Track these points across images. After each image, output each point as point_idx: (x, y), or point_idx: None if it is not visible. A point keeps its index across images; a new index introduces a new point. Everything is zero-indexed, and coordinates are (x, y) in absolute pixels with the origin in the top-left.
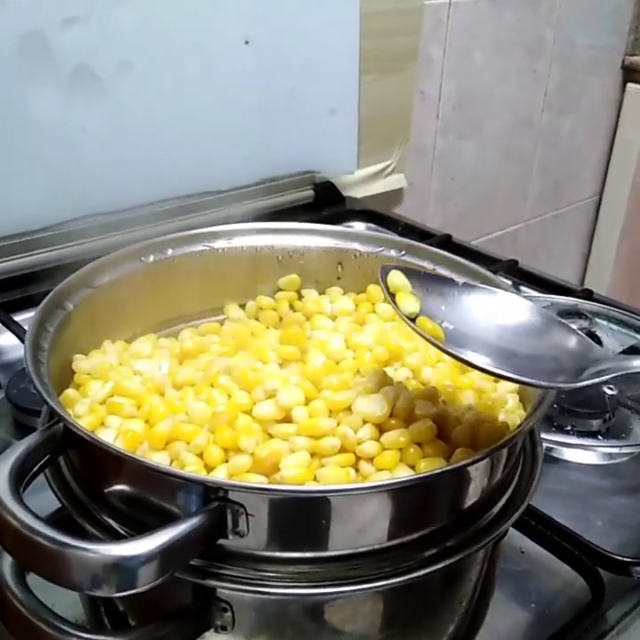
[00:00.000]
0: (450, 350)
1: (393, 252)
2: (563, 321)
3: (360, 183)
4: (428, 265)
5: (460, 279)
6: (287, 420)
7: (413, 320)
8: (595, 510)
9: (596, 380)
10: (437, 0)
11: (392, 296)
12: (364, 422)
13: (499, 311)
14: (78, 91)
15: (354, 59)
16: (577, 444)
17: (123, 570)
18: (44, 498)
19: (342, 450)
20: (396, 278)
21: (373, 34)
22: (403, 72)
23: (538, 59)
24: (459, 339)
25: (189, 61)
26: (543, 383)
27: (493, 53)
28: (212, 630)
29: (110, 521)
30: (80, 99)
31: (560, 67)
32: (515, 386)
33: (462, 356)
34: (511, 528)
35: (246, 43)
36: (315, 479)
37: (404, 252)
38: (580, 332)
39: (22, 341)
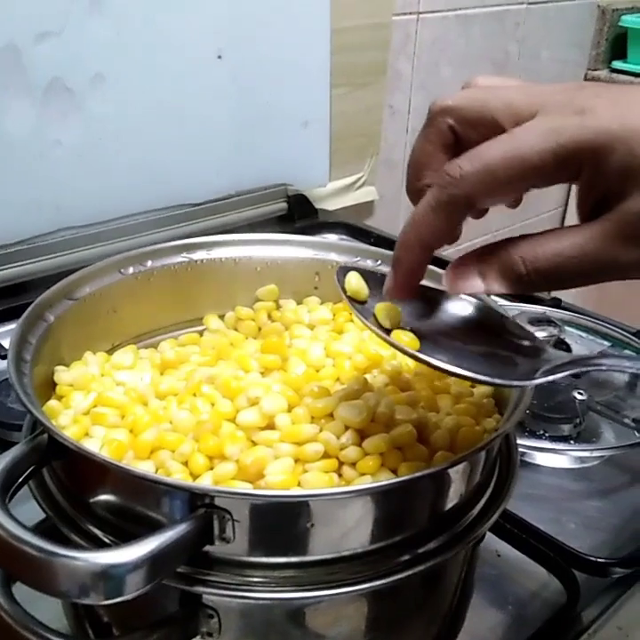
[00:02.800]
0: (420, 356)
1: (369, 262)
2: (516, 321)
3: (332, 196)
4: None
5: None
6: (270, 427)
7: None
8: (567, 513)
9: (550, 377)
10: (405, 16)
11: (350, 299)
12: (346, 428)
13: (452, 311)
14: (52, 104)
15: (325, 73)
16: (549, 449)
17: (110, 577)
18: (27, 509)
19: (325, 455)
20: (354, 280)
21: (343, 48)
22: (372, 86)
23: (504, 72)
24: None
25: (163, 75)
26: (497, 381)
27: (461, 67)
28: (198, 637)
29: (96, 530)
30: (54, 112)
31: (525, 80)
32: (490, 390)
33: (429, 360)
34: (487, 532)
35: (219, 57)
36: (299, 485)
37: (380, 262)
38: (533, 332)
39: None
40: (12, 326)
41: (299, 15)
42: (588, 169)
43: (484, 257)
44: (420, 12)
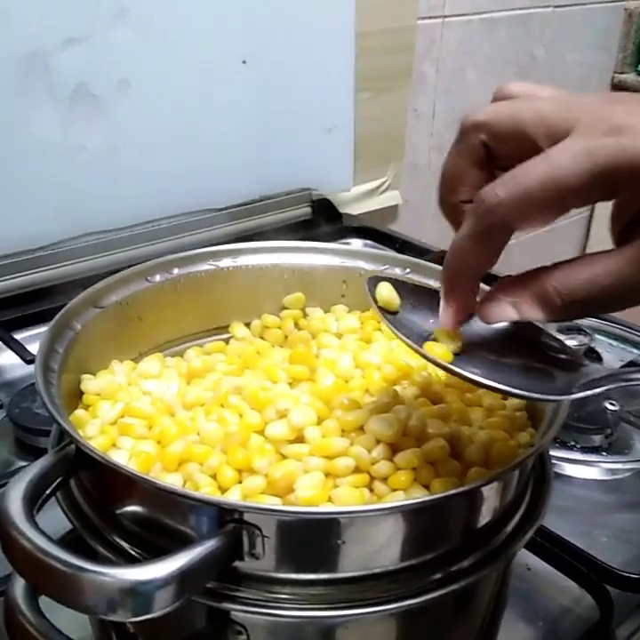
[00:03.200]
0: (453, 368)
1: (397, 271)
2: (554, 334)
3: (356, 200)
4: (433, 283)
5: None
6: (299, 439)
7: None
8: (599, 526)
9: (588, 392)
10: (430, 20)
11: (381, 309)
12: (377, 442)
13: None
14: (77, 110)
15: (349, 77)
16: (580, 460)
17: (139, 594)
18: (53, 517)
19: (356, 470)
20: (385, 290)
21: (368, 52)
22: (396, 90)
23: (529, 76)
24: None
25: (187, 81)
26: (534, 395)
27: (486, 71)
28: None
29: (122, 543)
30: (79, 117)
31: (551, 84)
32: (523, 403)
33: (466, 374)
34: None
35: (243, 62)
36: (329, 500)
37: (408, 270)
38: (571, 346)
39: (23, 360)
40: (37, 330)
41: (323, 19)
42: (625, 190)
43: (516, 288)
44: (445, 16)
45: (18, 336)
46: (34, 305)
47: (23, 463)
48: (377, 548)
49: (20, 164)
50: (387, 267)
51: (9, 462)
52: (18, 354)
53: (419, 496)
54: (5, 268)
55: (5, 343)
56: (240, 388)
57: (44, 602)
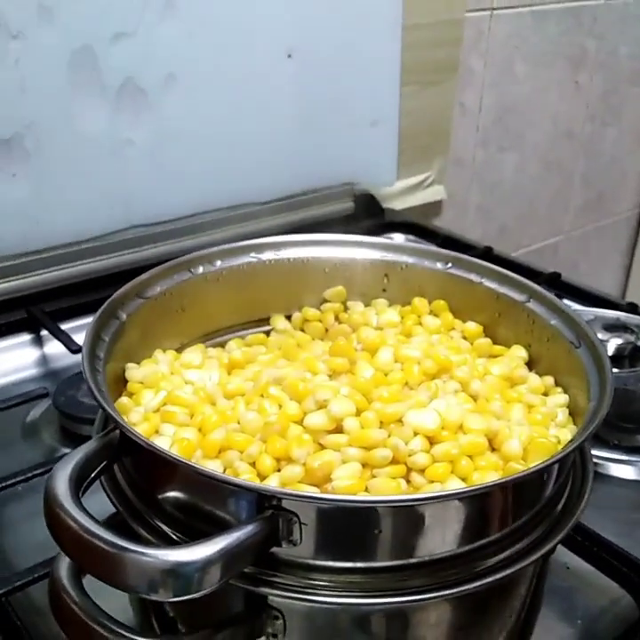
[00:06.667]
0: None
1: (439, 265)
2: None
3: (399, 195)
4: (474, 278)
5: None
6: (338, 430)
7: None
8: None
9: None
10: (479, 12)
11: None
12: (415, 434)
13: None
14: (125, 104)
15: (395, 70)
16: (622, 460)
17: (180, 575)
18: (98, 501)
19: (393, 461)
20: None
21: (414, 45)
22: (443, 84)
23: (580, 70)
24: None
25: (233, 74)
26: None
27: (534, 65)
28: (263, 638)
29: (163, 527)
30: (126, 112)
31: (602, 77)
32: (565, 400)
33: None
34: None
35: (289, 56)
36: (366, 490)
37: (450, 265)
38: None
39: (69, 350)
40: (84, 321)
41: (370, 13)
42: None
43: None
44: (494, 8)
45: (64, 326)
46: (80, 296)
47: (67, 450)
48: (412, 539)
49: (68, 157)
50: (428, 261)
51: (54, 449)
52: (64, 344)
53: (456, 488)
54: (53, 260)
55: (52, 333)
56: (280, 379)
57: (90, 584)
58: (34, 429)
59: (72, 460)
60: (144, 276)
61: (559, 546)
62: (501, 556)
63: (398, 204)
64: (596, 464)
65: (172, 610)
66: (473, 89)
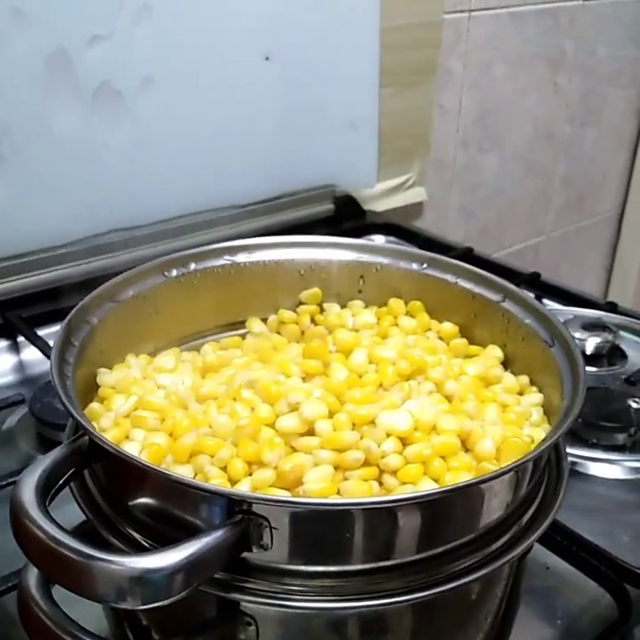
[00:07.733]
0: None
1: (414, 266)
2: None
3: (380, 197)
4: (450, 278)
5: None
6: (310, 433)
7: None
8: (620, 525)
9: None
10: (457, 14)
11: None
12: (388, 436)
13: None
14: (101, 107)
15: (374, 72)
16: (602, 459)
17: (148, 582)
18: (68, 512)
19: (366, 463)
20: None
21: (393, 47)
22: (422, 85)
23: (559, 71)
24: None
25: (210, 77)
26: None
27: (513, 66)
28: None
29: (134, 534)
30: (103, 115)
31: (581, 79)
32: (539, 399)
33: None
34: (536, 543)
35: (267, 59)
36: (338, 492)
37: (425, 265)
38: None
39: (46, 356)
40: (56, 328)
41: (348, 15)
42: None
43: None
44: (472, 10)
45: (41, 332)
46: (57, 301)
47: None
48: (385, 542)
49: (44, 161)
50: (403, 262)
51: (30, 456)
52: (41, 350)
53: (428, 489)
54: (30, 265)
55: (29, 339)
56: (253, 382)
57: (61, 597)
58: (10, 437)
59: (39, 467)
60: (116, 280)
61: (538, 546)
62: (474, 557)
63: (379, 206)
64: (574, 463)
65: (144, 618)
66: (452, 90)
